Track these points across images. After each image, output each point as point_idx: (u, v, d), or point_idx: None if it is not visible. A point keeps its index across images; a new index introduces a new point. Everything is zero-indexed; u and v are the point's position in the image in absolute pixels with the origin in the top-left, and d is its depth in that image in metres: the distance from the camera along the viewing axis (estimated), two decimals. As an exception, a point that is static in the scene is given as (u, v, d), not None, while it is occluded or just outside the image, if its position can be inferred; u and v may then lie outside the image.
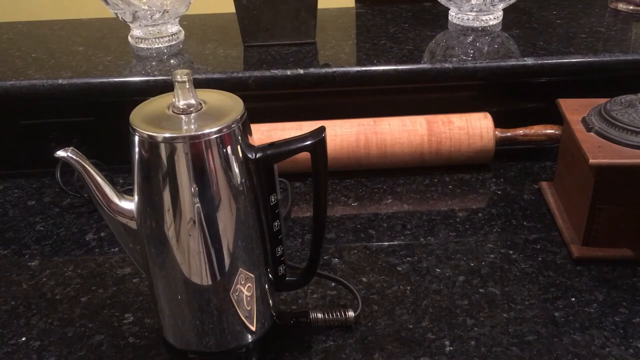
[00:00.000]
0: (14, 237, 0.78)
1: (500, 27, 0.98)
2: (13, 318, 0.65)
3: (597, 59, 0.87)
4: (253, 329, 0.56)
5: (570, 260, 0.70)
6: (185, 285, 0.53)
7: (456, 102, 0.90)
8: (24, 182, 0.89)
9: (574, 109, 0.73)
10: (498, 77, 0.88)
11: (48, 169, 0.85)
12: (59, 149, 0.52)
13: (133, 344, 0.62)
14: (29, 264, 0.73)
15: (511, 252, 0.72)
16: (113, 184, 0.53)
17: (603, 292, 0.65)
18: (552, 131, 0.86)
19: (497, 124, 0.85)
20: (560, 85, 0.89)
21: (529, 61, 0.87)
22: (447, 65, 0.87)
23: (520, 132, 0.86)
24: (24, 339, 0.63)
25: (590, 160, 0.65)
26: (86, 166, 0.52)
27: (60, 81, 0.86)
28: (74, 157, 0.51)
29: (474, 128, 0.84)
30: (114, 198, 0.52)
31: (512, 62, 0.87)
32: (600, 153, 0.66)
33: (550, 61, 0.87)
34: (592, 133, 0.69)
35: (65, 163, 0.52)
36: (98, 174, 0.52)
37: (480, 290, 0.66)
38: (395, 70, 0.87)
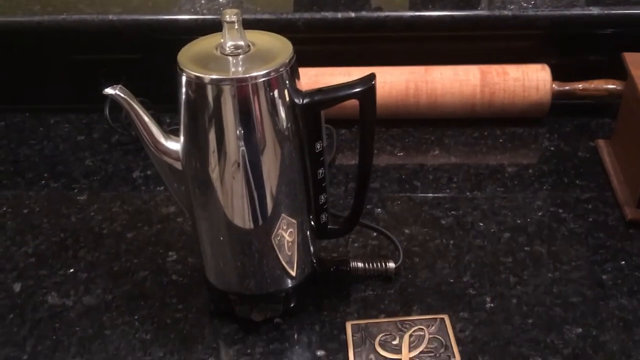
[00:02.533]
0: (63, 171, 0.80)
1: (565, -27, 0.93)
2: (62, 250, 0.68)
3: (669, 11, 0.82)
4: (293, 274, 0.57)
5: (622, 222, 0.67)
6: (228, 228, 0.53)
7: (513, 53, 0.87)
8: (74, 117, 0.91)
9: (640, 64, 0.70)
10: (560, 26, 0.83)
11: (97, 105, 0.86)
12: (108, 86, 0.52)
13: (176, 281, 0.63)
14: (78, 198, 0.75)
15: (561, 210, 0.69)
16: (160, 123, 0.53)
17: (655, 258, 0.63)
18: (614, 87, 0.81)
19: (555, 76, 0.82)
20: (627, 37, 0.84)
21: (595, 11, 0.82)
22: (506, 12, 0.83)
23: (579, 86, 0.82)
24: (72, 270, 0.65)
25: (654, 120, 0.61)
26: (134, 105, 0.52)
27: (110, 17, 0.86)
28: (122, 94, 0.51)
29: (530, 80, 0.81)
30: (160, 138, 0.52)
31: (576, 12, 0.83)
32: (666, 112, 0.62)
33: (617, 12, 0.82)
34: (658, 90, 0.65)
35: (114, 100, 0.52)
36: (145, 114, 0.52)
37: (526, 248, 0.65)
38: (450, 16, 0.84)
